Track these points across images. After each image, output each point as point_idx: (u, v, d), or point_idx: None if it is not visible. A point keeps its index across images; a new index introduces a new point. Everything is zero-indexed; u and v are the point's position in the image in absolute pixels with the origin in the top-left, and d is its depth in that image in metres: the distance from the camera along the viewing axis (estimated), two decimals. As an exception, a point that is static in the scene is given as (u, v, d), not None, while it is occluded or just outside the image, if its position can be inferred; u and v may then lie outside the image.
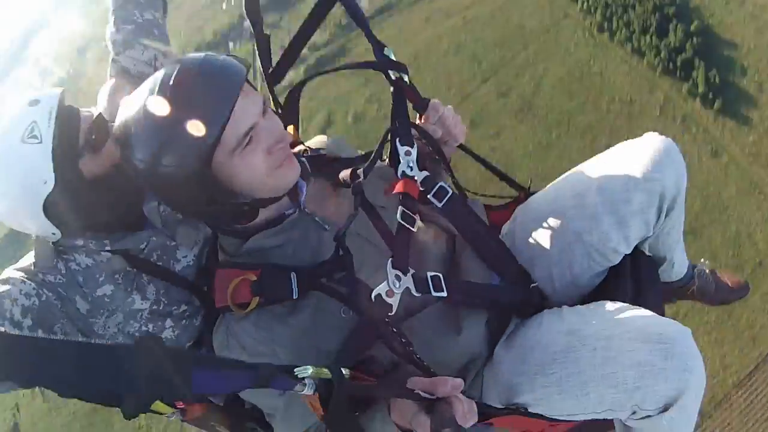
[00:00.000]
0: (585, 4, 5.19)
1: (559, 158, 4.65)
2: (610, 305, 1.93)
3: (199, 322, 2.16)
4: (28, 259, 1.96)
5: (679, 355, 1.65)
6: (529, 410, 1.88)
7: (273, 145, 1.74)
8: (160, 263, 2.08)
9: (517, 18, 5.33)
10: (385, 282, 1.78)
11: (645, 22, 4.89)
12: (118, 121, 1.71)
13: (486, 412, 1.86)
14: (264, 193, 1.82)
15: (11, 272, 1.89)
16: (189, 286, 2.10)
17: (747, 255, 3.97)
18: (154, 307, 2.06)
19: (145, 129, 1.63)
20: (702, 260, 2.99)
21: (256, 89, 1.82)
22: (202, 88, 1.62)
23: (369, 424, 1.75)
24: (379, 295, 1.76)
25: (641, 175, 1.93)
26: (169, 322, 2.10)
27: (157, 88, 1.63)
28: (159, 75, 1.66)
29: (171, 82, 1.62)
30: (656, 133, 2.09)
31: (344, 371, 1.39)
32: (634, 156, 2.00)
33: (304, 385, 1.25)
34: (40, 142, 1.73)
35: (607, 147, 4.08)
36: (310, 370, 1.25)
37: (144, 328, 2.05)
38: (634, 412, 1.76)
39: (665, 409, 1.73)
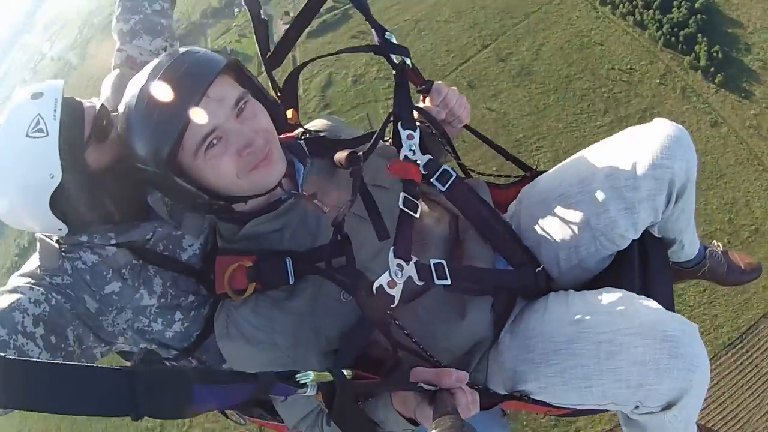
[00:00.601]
0: (589, -22, 5.07)
1: (556, 120, 4.51)
2: (617, 294, 1.82)
3: (207, 311, 2.04)
4: (33, 263, 1.83)
5: (684, 355, 1.57)
6: (533, 397, 1.83)
7: (242, 149, 1.64)
8: (167, 253, 1.97)
9: (520, -12, 5.21)
10: (387, 272, 1.66)
11: (649, -3, 4.78)
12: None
13: (490, 400, 1.89)
14: (240, 192, 1.73)
15: (17, 280, 1.78)
16: (196, 274, 2.00)
17: (743, 221, 3.84)
18: (162, 300, 1.95)
19: (126, 131, 1.62)
20: (714, 242, 2.85)
21: (245, 76, 1.75)
22: (160, 96, 1.55)
23: (372, 411, 1.73)
24: (380, 287, 1.65)
25: (650, 162, 1.79)
26: (178, 315, 1.99)
27: (133, 95, 1.59)
28: (136, 82, 1.62)
29: (138, 94, 1.58)
30: (666, 120, 1.91)
31: (346, 372, 1.34)
32: (644, 142, 1.85)
33: (306, 387, 1.20)
34: (47, 135, 1.64)
35: (605, 112, 3.98)
36: (311, 375, 1.20)
37: (153, 323, 1.95)
38: (636, 407, 1.68)
39: (668, 406, 1.66)
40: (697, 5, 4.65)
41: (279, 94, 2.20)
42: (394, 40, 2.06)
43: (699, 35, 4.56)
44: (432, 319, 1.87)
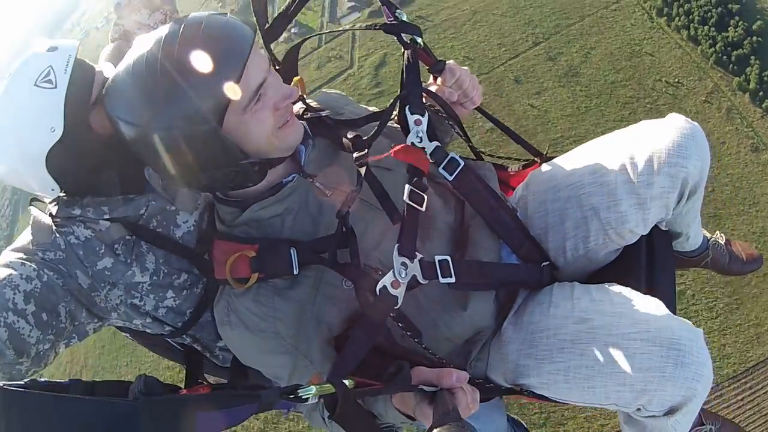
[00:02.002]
0: (648, -13, 4.84)
1: (594, 125, 4.37)
2: (623, 293, 1.80)
3: (200, 290, 2.00)
4: (25, 237, 1.79)
5: (690, 365, 1.56)
6: (534, 392, 1.83)
7: (280, 101, 1.61)
8: (160, 229, 1.91)
9: (579, -9, 5.01)
10: (391, 272, 1.63)
11: (706, 13, 4.54)
12: (114, 84, 1.55)
13: (490, 394, 1.89)
14: (270, 152, 1.67)
15: (9, 255, 1.72)
16: (189, 255, 1.94)
17: (769, 254, 3.63)
18: (155, 278, 1.90)
19: (147, 91, 1.47)
20: (717, 232, 2.77)
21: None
22: (213, 44, 1.47)
23: (371, 405, 1.75)
24: (384, 288, 1.61)
25: (666, 160, 1.76)
26: (170, 293, 1.94)
27: (162, 47, 1.47)
28: (161, 34, 1.50)
29: (178, 40, 1.46)
30: (681, 115, 1.90)
31: (347, 382, 1.32)
32: (660, 138, 1.81)
33: (309, 399, 1.20)
34: (55, 87, 1.59)
35: (646, 123, 3.67)
36: (313, 390, 1.20)
37: (146, 298, 1.90)
38: (638, 410, 1.67)
39: (671, 411, 1.65)
40: (754, 27, 4.41)
41: (277, 69, 2.08)
42: (405, 18, 1.96)
43: (752, 57, 4.32)
44: (433, 307, 1.84)
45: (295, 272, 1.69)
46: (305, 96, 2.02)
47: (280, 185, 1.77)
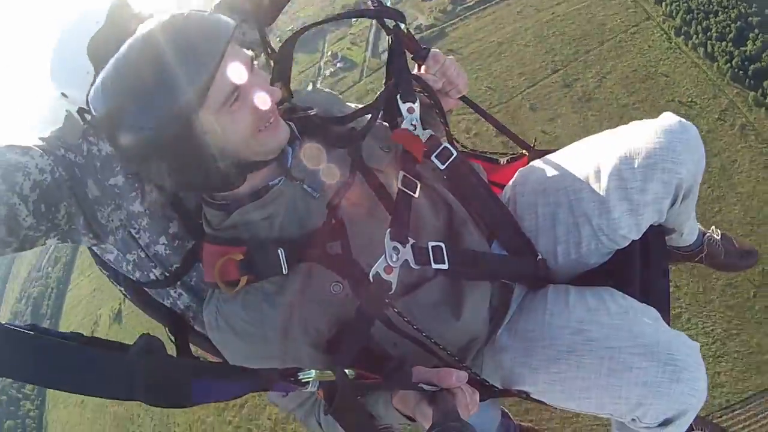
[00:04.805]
0: (668, 7, 4.62)
1: (603, 148, 4.15)
2: (620, 302, 1.73)
3: (190, 246, 1.95)
4: (56, 130, 1.80)
5: (686, 380, 1.52)
6: (531, 396, 1.77)
7: (260, 102, 1.50)
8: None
9: (601, 16, 4.87)
10: (383, 257, 1.57)
11: (724, 29, 4.29)
12: (100, 83, 1.46)
13: (488, 395, 1.77)
14: (249, 155, 1.55)
15: (34, 141, 1.74)
16: (180, 211, 1.92)
17: (780, 275, 3.34)
18: (149, 211, 1.88)
19: (125, 89, 1.39)
20: (713, 227, 2.62)
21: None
22: (187, 40, 1.39)
23: (371, 405, 1.66)
24: (377, 274, 1.56)
25: (659, 165, 1.66)
26: (163, 239, 1.91)
27: (140, 43, 1.41)
28: (141, 31, 1.43)
29: (155, 36, 1.39)
30: (675, 116, 1.79)
31: (348, 372, 1.29)
32: (653, 141, 1.70)
33: (308, 384, 1.16)
34: None
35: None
36: (313, 374, 1.15)
37: (142, 233, 1.88)
38: (633, 420, 1.62)
39: (665, 423, 1.60)
40: (775, 39, 4.12)
41: (270, 53, 2.03)
42: (388, 4, 1.90)
43: (770, 70, 4.02)
44: (426, 316, 1.73)
45: (284, 272, 1.59)
46: (290, 99, 1.90)
47: (267, 188, 1.66)
